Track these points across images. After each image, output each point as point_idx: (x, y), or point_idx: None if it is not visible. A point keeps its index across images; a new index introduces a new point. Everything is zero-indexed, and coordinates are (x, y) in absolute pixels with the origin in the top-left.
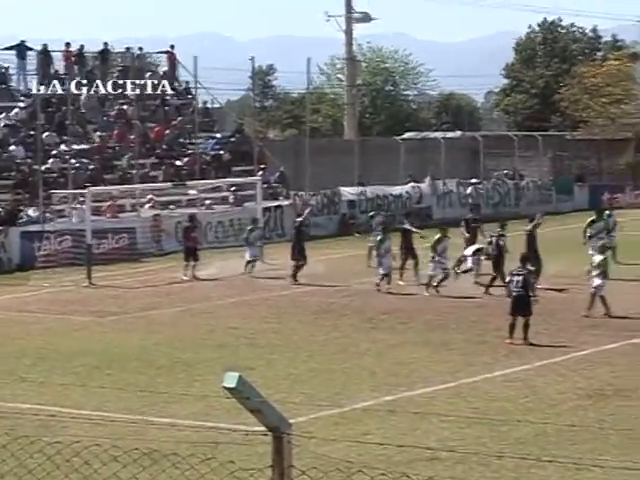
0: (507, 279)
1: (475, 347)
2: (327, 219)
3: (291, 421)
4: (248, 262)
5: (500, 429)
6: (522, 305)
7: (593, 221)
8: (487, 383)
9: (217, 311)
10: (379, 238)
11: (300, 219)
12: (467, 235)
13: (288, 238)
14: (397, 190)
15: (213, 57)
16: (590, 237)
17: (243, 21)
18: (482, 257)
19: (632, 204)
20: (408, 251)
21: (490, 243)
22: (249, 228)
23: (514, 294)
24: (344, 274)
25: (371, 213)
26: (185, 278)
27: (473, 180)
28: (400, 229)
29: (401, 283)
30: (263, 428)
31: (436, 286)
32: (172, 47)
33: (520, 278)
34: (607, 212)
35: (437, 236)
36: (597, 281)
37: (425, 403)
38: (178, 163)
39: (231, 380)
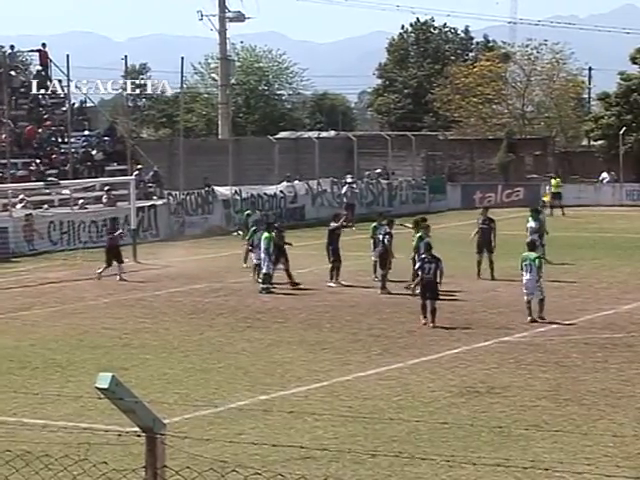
0: (417, 265)
1: (349, 346)
2: (202, 219)
3: (165, 421)
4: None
5: (374, 427)
6: (431, 289)
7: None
8: (361, 382)
9: (91, 311)
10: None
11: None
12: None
13: (162, 238)
14: (271, 190)
15: (91, 57)
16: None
17: (120, 20)
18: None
19: (504, 203)
20: (334, 252)
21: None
22: (253, 229)
23: (425, 279)
24: (220, 273)
25: (247, 212)
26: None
27: (349, 179)
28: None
29: (344, 283)
30: (137, 429)
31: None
32: (44, 45)
33: (432, 265)
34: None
35: (418, 235)
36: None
37: (299, 402)
38: (51, 162)
39: (104, 380)
